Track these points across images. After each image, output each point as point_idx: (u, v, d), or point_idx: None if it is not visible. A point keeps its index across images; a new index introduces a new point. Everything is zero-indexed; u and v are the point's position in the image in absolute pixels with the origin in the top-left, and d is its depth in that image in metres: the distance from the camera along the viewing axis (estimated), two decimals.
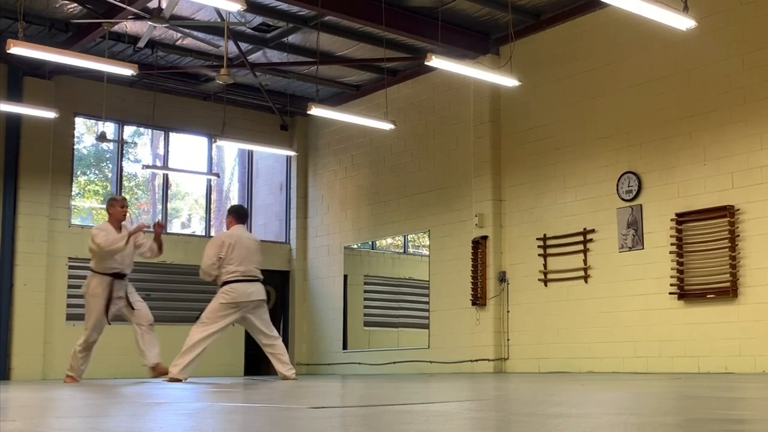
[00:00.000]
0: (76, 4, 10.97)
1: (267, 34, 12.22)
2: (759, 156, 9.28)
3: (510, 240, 11.83)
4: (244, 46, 12.35)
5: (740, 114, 9.48)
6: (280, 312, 15.26)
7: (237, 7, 7.82)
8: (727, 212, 9.43)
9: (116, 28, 11.38)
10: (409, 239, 14.88)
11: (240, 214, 8.87)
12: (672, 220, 9.92)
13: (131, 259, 8.92)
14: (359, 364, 13.79)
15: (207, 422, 3.14)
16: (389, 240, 14.96)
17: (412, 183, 13.31)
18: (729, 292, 9.32)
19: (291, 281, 15.26)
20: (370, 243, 14.78)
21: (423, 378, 9.33)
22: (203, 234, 14.74)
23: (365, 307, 15.01)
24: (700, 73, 9.88)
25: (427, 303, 12.99)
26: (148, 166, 13.77)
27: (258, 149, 14.87)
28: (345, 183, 14.64)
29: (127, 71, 9.74)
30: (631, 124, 10.51)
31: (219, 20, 10.97)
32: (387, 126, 11.36)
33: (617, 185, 10.56)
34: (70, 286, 12.88)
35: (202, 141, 14.76)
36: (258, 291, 8.52)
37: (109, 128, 13.33)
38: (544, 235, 11.35)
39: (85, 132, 14.19)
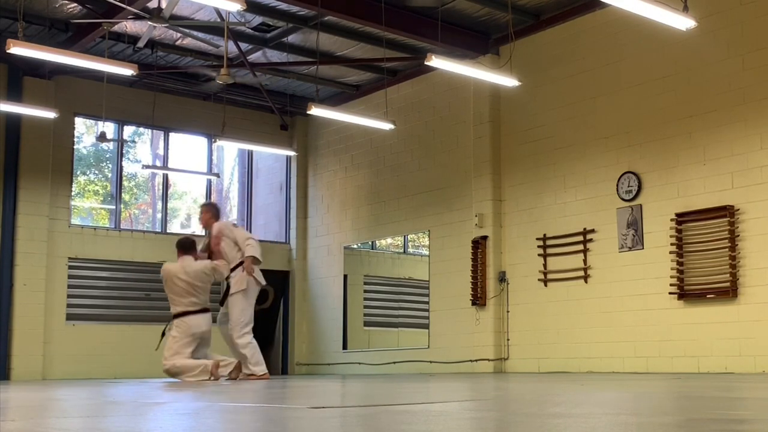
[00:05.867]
0: (76, 4, 10.97)
1: (267, 34, 12.22)
2: (759, 156, 9.28)
3: (510, 240, 11.83)
4: (244, 46, 12.34)
5: (740, 114, 9.47)
6: (279, 312, 15.26)
7: (237, 7, 7.82)
8: (727, 212, 9.42)
9: (116, 28, 11.38)
10: (409, 239, 14.87)
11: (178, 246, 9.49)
12: (672, 220, 9.92)
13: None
14: (359, 364, 13.78)
15: (207, 422, 3.14)
16: (389, 240, 14.95)
17: (412, 183, 13.30)
18: (729, 292, 9.32)
19: (291, 281, 15.25)
20: (370, 243, 14.77)
21: (423, 378, 9.33)
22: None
23: (365, 307, 15.00)
24: (700, 73, 9.88)
25: (427, 303, 12.98)
26: (148, 166, 13.76)
27: (258, 149, 14.86)
28: (345, 183, 14.64)
29: (127, 71, 9.73)
30: (631, 124, 10.50)
31: (219, 20, 10.96)
32: (387, 126, 11.37)
33: (617, 185, 10.56)
34: (70, 286, 12.87)
35: (201, 141, 14.76)
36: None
37: (109, 128, 13.32)
38: (544, 235, 11.35)
39: (85, 132, 14.19)
